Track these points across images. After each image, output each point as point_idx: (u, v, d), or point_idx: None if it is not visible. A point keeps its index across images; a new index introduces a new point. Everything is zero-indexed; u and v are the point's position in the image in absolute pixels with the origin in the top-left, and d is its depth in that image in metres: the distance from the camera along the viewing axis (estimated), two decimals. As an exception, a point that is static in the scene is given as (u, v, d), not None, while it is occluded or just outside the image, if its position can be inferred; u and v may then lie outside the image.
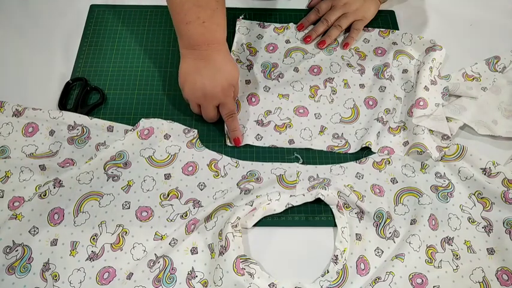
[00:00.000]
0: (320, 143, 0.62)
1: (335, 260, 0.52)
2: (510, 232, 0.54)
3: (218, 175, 0.58)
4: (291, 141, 0.62)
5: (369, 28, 0.73)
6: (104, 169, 0.57)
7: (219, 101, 0.59)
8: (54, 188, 0.54)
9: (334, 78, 0.68)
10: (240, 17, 0.74)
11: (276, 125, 0.64)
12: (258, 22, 0.74)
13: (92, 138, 0.59)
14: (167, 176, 0.58)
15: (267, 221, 0.56)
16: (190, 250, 0.53)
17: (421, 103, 0.62)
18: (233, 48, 0.70)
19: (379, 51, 0.71)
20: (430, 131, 0.62)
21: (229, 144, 0.62)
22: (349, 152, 0.62)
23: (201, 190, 0.57)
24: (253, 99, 0.66)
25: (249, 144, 0.62)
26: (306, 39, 0.71)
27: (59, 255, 0.52)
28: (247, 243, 0.54)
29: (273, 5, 0.77)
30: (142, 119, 0.61)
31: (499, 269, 0.53)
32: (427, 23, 0.76)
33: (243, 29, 0.73)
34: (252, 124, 0.63)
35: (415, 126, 0.61)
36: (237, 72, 0.60)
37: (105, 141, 0.59)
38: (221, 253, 0.51)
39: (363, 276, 0.52)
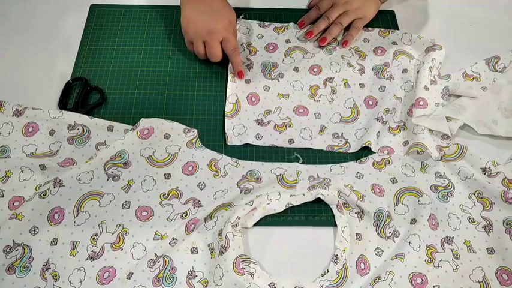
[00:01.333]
0: (320, 143, 0.62)
1: (335, 259, 0.52)
2: (510, 232, 0.54)
3: (218, 175, 0.58)
4: (290, 141, 0.62)
5: (369, 28, 0.73)
6: (104, 169, 0.57)
7: (222, 35, 0.65)
8: (54, 187, 0.54)
9: (334, 77, 0.68)
10: (240, 17, 0.74)
11: (276, 124, 0.64)
12: (258, 22, 0.74)
13: (92, 138, 0.59)
14: (167, 176, 0.58)
15: (267, 221, 0.56)
16: (190, 250, 0.53)
17: (421, 103, 0.62)
18: None
19: (379, 51, 0.71)
20: (430, 130, 0.62)
21: (229, 143, 0.62)
22: (349, 151, 0.62)
23: (201, 190, 0.57)
24: (253, 99, 0.66)
25: (249, 144, 0.62)
26: (307, 35, 0.71)
27: (59, 255, 0.52)
28: (247, 243, 0.54)
29: (273, 4, 0.77)
30: (142, 119, 0.61)
31: (499, 269, 0.53)
32: (427, 23, 0.76)
33: (243, 28, 0.73)
34: (252, 124, 0.64)
35: (415, 126, 0.61)
36: (234, 13, 0.69)
37: (105, 141, 0.59)
38: (221, 253, 0.51)
39: (363, 276, 0.52)
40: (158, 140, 0.60)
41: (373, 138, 0.62)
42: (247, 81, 0.67)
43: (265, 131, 0.63)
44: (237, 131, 0.63)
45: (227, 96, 0.65)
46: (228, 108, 0.64)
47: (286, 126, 0.64)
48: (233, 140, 0.62)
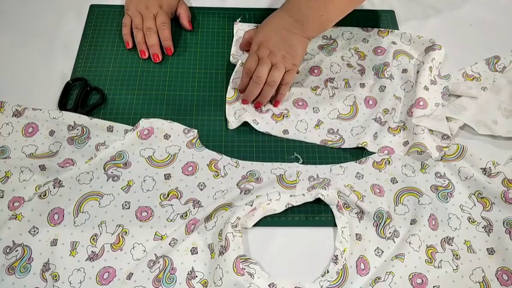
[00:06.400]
0: (314, 137, 0.63)
1: (335, 260, 0.52)
2: (510, 232, 0.54)
3: (218, 175, 0.58)
4: (285, 131, 0.62)
5: (368, 28, 0.73)
6: (104, 169, 0.57)
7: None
8: (54, 188, 0.54)
9: (334, 78, 0.68)
10: (237, 20, 0.74)
11: (273, 113, 0.64)
12: (256, 24, 0.74)
13: (91, 138, 0.59)
14: (167, 176, 0.58)
15: (267, 221, 0.56)
16: (190, 250, 0.53)
17: (421, 103, 0.62)
18: (232, 51, 0.70)
19: (379, 51, 0.71)
20: (430, 130, 0.62)
21: (229, 128, 0.63)
22: (342, 147, 0.62)
23: (201, 190, 0.57)
24: None
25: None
26: (243, 102, 0.64)
27: (59, 255, 0.52)
28: (247, 243, 0.54)
29: (273, 4, 0.77)
30: (142, 119, 0.61)
31: (499, 269, 0.53)
32: (427, 23, 0.76)
33: (241, 31, 0.73)
34: (251, 109, 0.64)
35: (415, 126, 0.61)
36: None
37: (105, 141, 0.59)
38: (221, 253, 0.51)
39: (363, 276, 0.52)
40: (158, 140, 0.60)
41: (369, 139, 0.62)
42: None
43: (262, 118, 0.63)
44: (237, 115, 0.63)
45: (230, 80, 0.65)
46: (230, 94, 0.65)
47: (283, 116, 0.64)
48: (234, 124, 0.63)
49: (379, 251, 0.53)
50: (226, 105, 0.64)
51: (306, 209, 0.57)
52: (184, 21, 0.72)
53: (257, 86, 0.62)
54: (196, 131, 0.62)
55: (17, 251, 0.51)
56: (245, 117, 0.62)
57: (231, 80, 0.65)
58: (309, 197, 0.56)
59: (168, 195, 0.56)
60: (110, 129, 0.60)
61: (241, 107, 0.64)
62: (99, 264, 0.51)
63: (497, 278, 0.52)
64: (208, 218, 0.55)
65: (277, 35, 0.63)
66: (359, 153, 0.62)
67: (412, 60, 0.69)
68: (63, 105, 0.63)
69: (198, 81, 0.68)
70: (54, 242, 0.52)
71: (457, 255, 0.53)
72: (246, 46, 0.69)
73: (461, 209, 0.57)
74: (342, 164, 0.60)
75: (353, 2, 0.63)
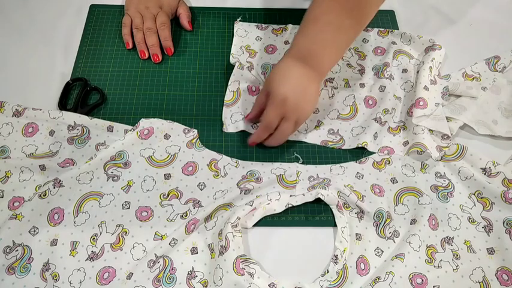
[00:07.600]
0: (315, 137, 0.63)
1: (335, 260, 0.52)
2: (510, 232, 0.54)
3: (218, 175, 0.58)
4: None
5: (368, 28, 0.73)
6: (104, 169, 0.57)
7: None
8: (54, 188, 0.54)
9: (334, 78, 0.68)
10: (238, 19, 0.74)
11: None
12: (256, 24, 0.74)
13: (91, 138, 0.59)
14: (167, 176, 0.58)
15: (267, 221, 0.56)
16: (190, 250, 0.53)
17: (421, 103, 0.62)
18: (232, 51, 0.70)
19: (379, 51, 0.71)
20: (430, 130, 0.62)
21: (224, 130, 0.62)
22: (342, 148, 0.62)
23: (201, 190, 0.57)
24: (254, 89, 0.66)
25: (247, 136, 0.62)
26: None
27: (59, 255, 0.52)
28: (247, 243, 0.54)
29: (272, 4, 0.77)
30: (142, 119, 0.61)
31: (499, 269, 0.53)
32: (427, 23, 0.76)
33: (241, 31, 0.73)
34: None
35: (415, 126, 0.61)
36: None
37: (105, 141, 0.59)
38: (221, 253, 0.51)
39: (363, 276, 0.52)
40: (158, 140, 0.60)
41: (369, 139, 0.62)
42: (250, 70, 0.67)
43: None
44: (234, 119, 0.63)
45: (229, 83, 0.65)
46: (228, 96, 0.65)
47: None
48: (229, 127, 0.62)
49: (379, 251, 0.54)
50: (224, 108, 0.64)
51: (306, 209, 0.57)
52: (184, 21, 0.72)
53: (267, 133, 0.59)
54: (196, 131, 0.62)
55: (17, 251, 0.51)
56: (242, 126, 0.62)
57: (229, 83, 0.65)
58: (309, 197, 0.56)
59: (168, 195, 0.56)
60: (110, 129, 0.60)
61: (238, 110, 0.64)
62: (99, 264, 0.51)
63: (497, 278, 0.52)
64: (208, 218, 0.55)
65: (295, 91, 0.56)
66: (359, 153, 0.62)
67: (412, 60, 0.69)
68: (63, 105, 0.63)
69: (198, 81, 0.68)
70: (54, 242, 0.52)
71: (457, 255, 0.53)
72: (259, 115, 0.61)
73: (461, 209, 0.57)
74: (342, 164, 0.60)
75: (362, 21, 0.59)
